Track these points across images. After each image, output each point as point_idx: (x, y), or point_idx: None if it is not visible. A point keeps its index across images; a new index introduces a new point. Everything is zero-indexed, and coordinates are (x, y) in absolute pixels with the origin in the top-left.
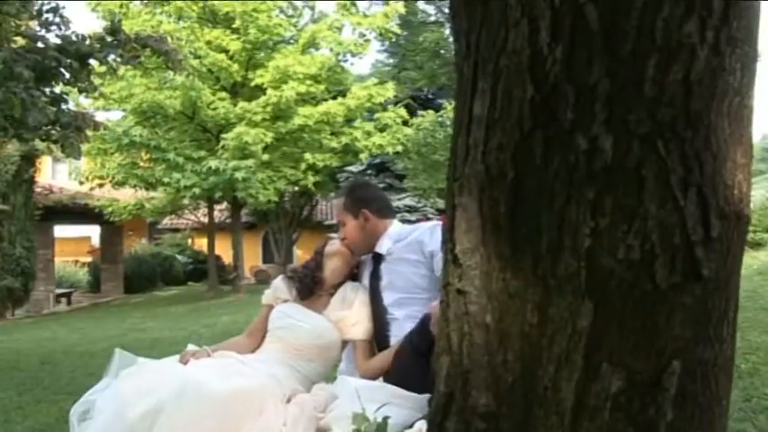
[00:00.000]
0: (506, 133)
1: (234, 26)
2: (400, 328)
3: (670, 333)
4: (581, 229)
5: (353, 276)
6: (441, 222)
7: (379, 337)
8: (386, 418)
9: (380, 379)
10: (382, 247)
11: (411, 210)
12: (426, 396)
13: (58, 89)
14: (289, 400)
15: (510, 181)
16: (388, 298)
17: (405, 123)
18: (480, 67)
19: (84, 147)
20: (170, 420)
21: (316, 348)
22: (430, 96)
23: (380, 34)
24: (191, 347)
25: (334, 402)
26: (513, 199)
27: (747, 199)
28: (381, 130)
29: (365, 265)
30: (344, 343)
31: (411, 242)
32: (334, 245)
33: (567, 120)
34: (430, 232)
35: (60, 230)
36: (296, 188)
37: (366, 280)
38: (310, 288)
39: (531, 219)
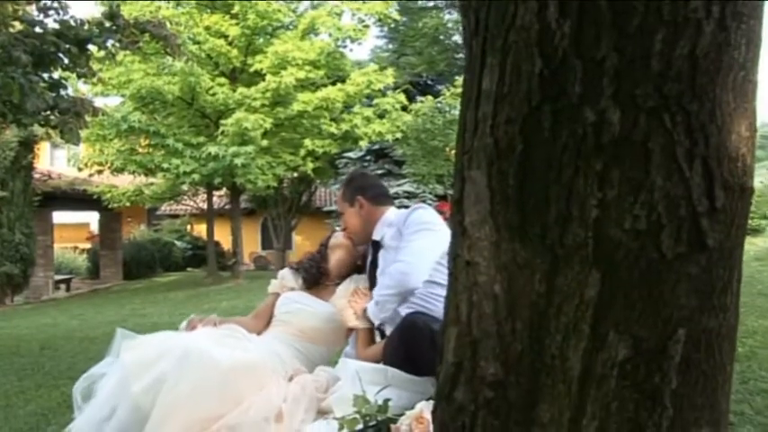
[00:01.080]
0: (515, 107)
1: (233, 11)
2: (396, 314)
3: (675, 302)
4: (589, 201)
5: (359, 269)
6: (421, 205)
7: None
8: (386, 401)
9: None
10: (378, 234)
11: (410, 196)
12: (427, 379)
13: (56, 74)
14: (291, 379)
15: (519, 154)
16: None
17: (404, 109)
18: (489, 43)
19: (83, 133)
20: (174, 389)
21: (319, 332)
22: (429, 82)
23: (379, 20)
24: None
25: (335, 384)
26: (521, 171)
27: (751, 171)
28: (381, 117)
29: (370, 254)
30: (349, 330)
31: (396, 230)
32: (337, 237)
33: (576, 93)
34: (405, 216)
35: (59, 217)
36: (295, 174)
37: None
38: (316, 278)
39: (539, 190)
